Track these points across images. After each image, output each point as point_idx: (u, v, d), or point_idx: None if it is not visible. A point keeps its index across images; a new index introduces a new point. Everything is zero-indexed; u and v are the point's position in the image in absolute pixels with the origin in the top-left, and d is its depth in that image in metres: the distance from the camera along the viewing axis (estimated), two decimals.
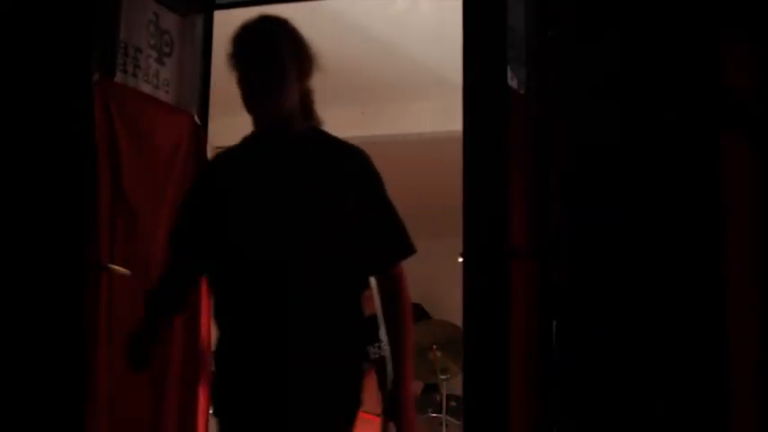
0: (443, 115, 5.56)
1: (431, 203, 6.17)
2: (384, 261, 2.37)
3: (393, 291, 2.37)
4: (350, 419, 2.31)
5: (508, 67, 2.83)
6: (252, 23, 2.39)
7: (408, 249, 2.39)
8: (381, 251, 2.36)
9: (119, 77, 3.36)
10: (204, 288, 3.64)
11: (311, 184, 2.31)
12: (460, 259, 2.78)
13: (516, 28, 2.90)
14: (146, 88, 3.53)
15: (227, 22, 3.99)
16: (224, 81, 4.26)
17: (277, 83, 2.34)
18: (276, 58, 2.34)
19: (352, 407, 2.32)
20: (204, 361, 3.65)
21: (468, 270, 2.75)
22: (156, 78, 3.60)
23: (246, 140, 2.47)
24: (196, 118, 3.71)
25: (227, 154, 2.48)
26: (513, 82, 2.89)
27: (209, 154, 3.81)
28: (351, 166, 2.37)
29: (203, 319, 3.64)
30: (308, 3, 4.33)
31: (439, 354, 5.77)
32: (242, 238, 2.31)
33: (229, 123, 6.03)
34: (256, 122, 2.42)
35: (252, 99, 2.36)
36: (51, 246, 3.00)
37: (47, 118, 3.06)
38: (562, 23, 2.78)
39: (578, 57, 2.75)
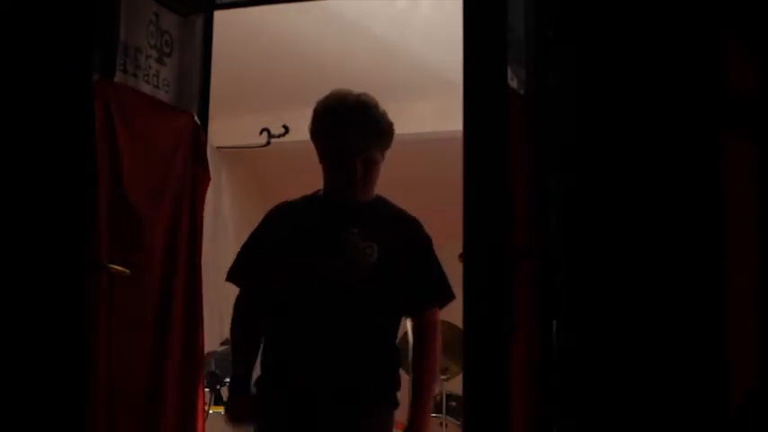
0: (443, 115, 5.55)
1: (430, 203, 6.16)
2: (417, 304, 2.79)
3: (423, 338, 2.77)
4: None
5: (508, 67, 2.83)
6: (351, 100, 2.73)
7: (445, 296, 2.82)
8: (416, 296, 2.78)
9: (119, 77, 3.36)
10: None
11: (371, 241, 2.70)
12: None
13: (516, 28, 2.90)
14: (146, 88, 3.53)
15: (227, 22, 4.01)
16: (224, 81, 4.28)
17: (367, 175, 2.74)
18: (370, 148, 2.71)
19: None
20: (203, 361, 3.66)
21: (469, 270, 2.74)
22: (156, 78, 3.60)
23: (313, 199, 2.83)
24: (196, 118, 3.71)
25: (295, 204, 2.86)
26: (513, 82, 2.89)
27: (209, 154, 3.81)
28: (407, 232, 2.81)
29: (201, 320, 3.64)
30: (308, 3, 4.33)
31: None
32: (302, 276, 2.68)
33: (229, 123, 6.04)
34: (330, 186, 2.78)
35: (338, 184, 2.74)
36: (51, 245, 3.00)
37: (47, 118, 3.06)
38: (562, 23, 2.78)
39: (578, 57, 2.75)
